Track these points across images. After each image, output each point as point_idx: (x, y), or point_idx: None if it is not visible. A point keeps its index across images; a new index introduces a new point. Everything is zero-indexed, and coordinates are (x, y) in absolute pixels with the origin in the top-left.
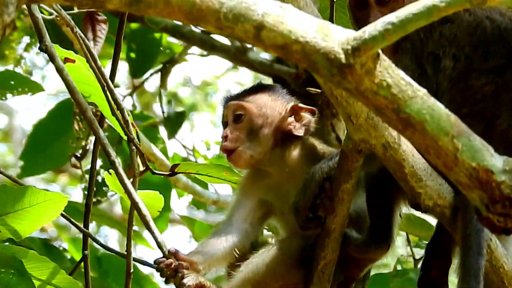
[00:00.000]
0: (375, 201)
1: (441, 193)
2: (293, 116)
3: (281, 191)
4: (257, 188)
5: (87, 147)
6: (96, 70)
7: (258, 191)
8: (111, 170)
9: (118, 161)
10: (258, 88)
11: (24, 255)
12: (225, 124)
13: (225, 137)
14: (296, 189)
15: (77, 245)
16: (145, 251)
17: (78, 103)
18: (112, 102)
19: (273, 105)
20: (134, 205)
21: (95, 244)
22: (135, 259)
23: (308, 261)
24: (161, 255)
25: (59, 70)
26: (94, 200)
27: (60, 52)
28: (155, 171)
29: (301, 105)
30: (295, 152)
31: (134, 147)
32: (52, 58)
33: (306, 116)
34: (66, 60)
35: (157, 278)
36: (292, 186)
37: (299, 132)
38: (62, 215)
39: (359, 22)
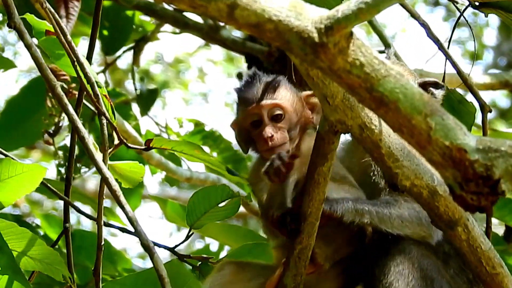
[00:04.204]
0: None
1: (418, 174)
2: (308, 106)
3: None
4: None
5: (60, 124)
6: (66, 45)
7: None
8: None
9: (87, 136)
10: (275, 83)
11: (4, 226)
12: (254, 123)
13: (270, 137)
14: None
15: (51, 222)
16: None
17: (47, 79)
18: (83, 77)
19: (296, 100)
20: (105, 180)
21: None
22: (108, 225)
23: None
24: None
25: (28, 47)
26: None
27: (39, 24)
28: (129, 145)
29: (309, 92)
30: (305, 142)
31: (105, 121)
32: (21, 35)
33: (317, 103)
34: (47, 33)
35: (129, 253)
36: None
37: (317, 122)
38: (45, 184)
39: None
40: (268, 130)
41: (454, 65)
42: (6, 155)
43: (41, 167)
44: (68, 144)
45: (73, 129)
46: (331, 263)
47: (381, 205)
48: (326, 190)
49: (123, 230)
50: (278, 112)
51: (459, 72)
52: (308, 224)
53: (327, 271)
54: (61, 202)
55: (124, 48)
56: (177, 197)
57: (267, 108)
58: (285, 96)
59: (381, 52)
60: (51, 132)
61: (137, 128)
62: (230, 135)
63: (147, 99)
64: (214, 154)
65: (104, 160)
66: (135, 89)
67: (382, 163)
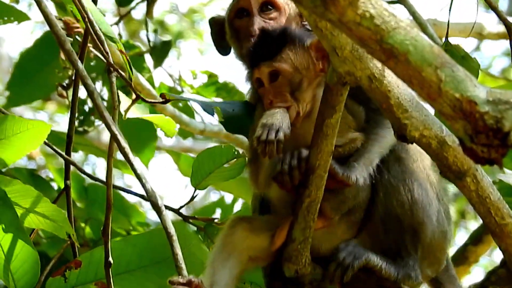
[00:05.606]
0: None
1: (427, 124)
2: (317, 55)
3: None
4: None
5: (73, 77)
6: (76, 1)
7: None
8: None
9: (97, 92)
10: (277, 41)
11: (8, 184)
12: (258, 82)
13: (270, 102)
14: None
15: (63, 175)
16: (133, 180)
17: (57, 35)
18: (93, 33)
19: (301, 57)
20: (114, 137)
21: (82, 175)
22: (118, 188)
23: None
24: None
25: (38, 3)
26: (81, 129)
27: None
28: (146, 99)
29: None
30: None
31: (114, 79)
32: None
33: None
34: None
35: (143, 206)
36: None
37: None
38: (47, 144)
39: (239, 31)
40: (268, 96)
41: None
42: (4, 113)
43: (46, 124)
44: (82, 97)
45: (75, 85)
46: (340, 215)
47: (379, 133)
48: (334, 142)
49: (131, 192)
50: (277, 74)
51: None
52: (316, 176)
53: (336, 226)
54: (77, 154)
55: (137, 0)
56: (192, 148)
57: (266, 72)
58: (287, 58)
59: (391, 2)
60: (65, 85)
61: (150, 81)
62: (244, 86)
63: (160, 51)
64: None
65: (113, 118)
66: (148, 41)
67: (391, 114)
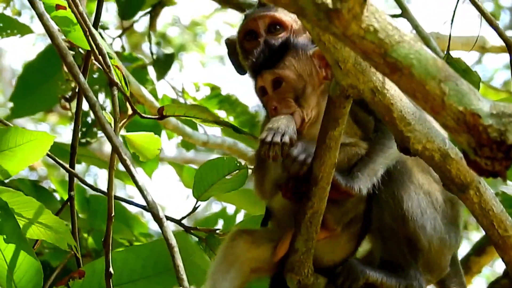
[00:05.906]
0: None
1: (430, 137)
2: (320, 63)
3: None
4: None
5: (77, 89)
6: (78, 15)
7: None
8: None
9: (98, 104)
10: (280, 51)
11: (10, 196)
12: (262, 91)
13: (274, 109)
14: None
15: (65, 187)
16: (136, 190)
17: (59, 48)
18: (95, 48)
19: (303, 64)
20: (115, 149)
21: (84, 186)
22: (119, 199)
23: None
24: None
25: (40, 16)
26: (83, 141)
27: None
28: (143, 115)
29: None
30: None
31: (115, 92)
32: (33, 4)
33: None
34: (57, 7)
35: (145, 216)
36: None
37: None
38: (50, 156)
39: (249, 52)
40: (272, 103)
41: (478, 7)
42: (6, 124)
43: (49, 135)
44: (85, 109)
45: (78, 98)
46: (342, 226)
47: (385, 143)
48: (337, 154)
49: (132, 203)
50: (280, 81)
51: (483, 14)
52: (319, 188)
53: (339, 236)
54: (79, 165)
55: (140, 13)
56: (194, 159)
57: (269, 80)
58: (286, 64)
59: (395, 16)
60: (68, 97)
61: (153, 93)
62: (246, 99)
63: (163, 64)
64: (231, 118)
65: (115, 131)
66: (152, 54)
67: (394, 126)
